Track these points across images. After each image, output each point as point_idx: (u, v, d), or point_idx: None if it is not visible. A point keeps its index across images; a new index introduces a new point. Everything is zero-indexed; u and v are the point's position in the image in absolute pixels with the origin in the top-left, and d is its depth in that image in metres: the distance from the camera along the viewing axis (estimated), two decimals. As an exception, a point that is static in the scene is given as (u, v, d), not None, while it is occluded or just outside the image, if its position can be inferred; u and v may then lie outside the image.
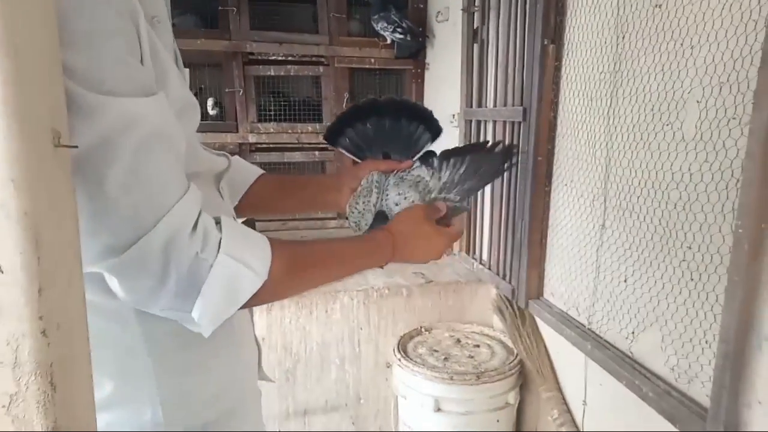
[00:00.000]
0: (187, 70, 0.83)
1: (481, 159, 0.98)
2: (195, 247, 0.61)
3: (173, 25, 2.52)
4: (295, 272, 0.70)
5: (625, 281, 1.42)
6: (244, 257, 0.64)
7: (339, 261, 0.80)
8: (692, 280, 1.19)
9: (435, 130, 1.03)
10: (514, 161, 1.01)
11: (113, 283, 0.61)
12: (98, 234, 0.57)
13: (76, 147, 0.55)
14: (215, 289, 0.62)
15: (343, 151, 1.04)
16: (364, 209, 0.97)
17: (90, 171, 0.55)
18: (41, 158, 0.47)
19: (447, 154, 0.98)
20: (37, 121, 0.47)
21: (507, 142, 1.04)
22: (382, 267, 0.86)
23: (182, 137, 0.65)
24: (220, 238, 0.63)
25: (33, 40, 0.47)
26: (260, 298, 0.66)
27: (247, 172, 1.01)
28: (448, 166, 0.97)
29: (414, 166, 0.99)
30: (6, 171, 0.44)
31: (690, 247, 1.20)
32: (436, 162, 0.98)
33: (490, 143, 1.01)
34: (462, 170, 0.97)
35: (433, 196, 0.96)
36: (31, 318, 0.44)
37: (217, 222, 0.65)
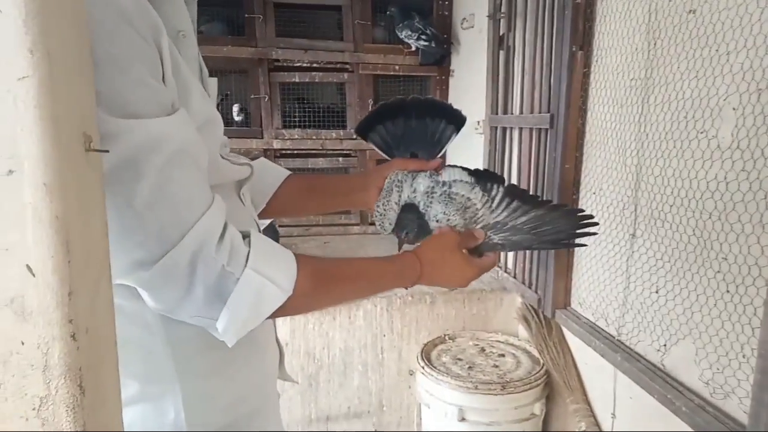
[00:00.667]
0: (215, 79, 0.84)
1: (549, 220, 0.90)
2: (221, 259, 0.63)
3: (200, 32, 2.55)
4: (319, 289, 0.72)
5: (657, 292, 1.38)
6: (270, 272, 0.66)
7: (363, 280, 0.80)
8: (728, 292, 1.16)
9: (459, 121, 1.01)
10: (582, 243, 0.93)
11: (144, 292, 0.63)
12: (128, 249, 0.59)
13: (107, 151, 0.56)
14: (241, 302, 0.63)
15: (374, 146, 1.05)
16: (385, 209, 0.96)
17: (118, 190, 0.57)
18: (73, 162, 0.47)
19: (514, 193, 0.90)
20: (69, 126, 0.47)
21: (586, 212, 0.95)
22: (406, 288, 0.85)
23: (205, 151, 0.66)
24: (248, 253, 0.65)
25: (65, 45, 0.47)
26: (285, 311, 0.68)
27: (274, 173, 1.02)
28: (507, 207, 0.90)
29: (461, 178, 0.93)
30: (39, 175, 0.44)
31: (726, 258, 1.16)
32: (495, 190, 0.91)
33: (568, 208, 0.94)
34: (520, 220, 0.90)
35: (477, 227, 0.91)
36: (62, 322, 0.44)
37: (245, 236, 0.68)
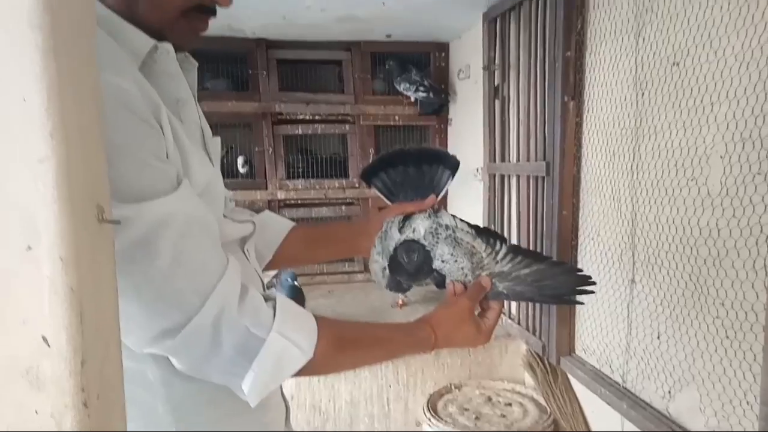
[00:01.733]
0: (218, 138, 0.87)
1: (550, 275, 0.93)
2: (244, 320, 0.66)
3: (206, 88, 2.64)
4: (338, 353, 0.74)
5: (659, 338, 1.39)
6: (293, 336, 0.68)
7: (381, 349, 0.83)
8: (728, 337, 1.16)
9: (452, 165, 1.06)
10: (580, 301, 0.95)
11: (172, 358, 0.66)
12: (152, 322, 0.62)
13: (119, 222, 0.59)
14: (265, 365, 0.66)
15: (377, 191, 1.10)
16: (375, 259, 0.97)
17: (135, 269, 0.60)
18: (87, 234, 0.50)
19: (517, 249, 0.94)
20: (83, 199, 0.50)
21: (584, 273, 0.97)
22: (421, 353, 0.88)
23: (212, 217, 0.69)
24: (273, 316, 0.68)
25: (81, 127, 0.51)
26: (304, 372, 0.70)
27: (279, 226, 1.06)
28: (512, 259, 0.93)
29: (462, 227, 0.95)
30: (56, 249, 0.47)
31: (723, 304, 1.17)
32: (498, 245, 0.94)
33: (568, 266, 0.96)
34: (523, 272, 0.92)
35: (483, 273, 0.93)
36: (74, 390, 0.46)
37: (268, 299, 0.71)
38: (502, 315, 2.17)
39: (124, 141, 0.59)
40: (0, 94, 0.46)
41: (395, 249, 0.94)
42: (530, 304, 2.00)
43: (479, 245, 0.94)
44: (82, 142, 0.51)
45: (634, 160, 1.45)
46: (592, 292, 0.94)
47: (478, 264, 0.93)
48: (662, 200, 1.34)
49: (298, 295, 2.23)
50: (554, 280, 0.94)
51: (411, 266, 0.93)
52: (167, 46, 0.72)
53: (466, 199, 2.59)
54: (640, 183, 1.43)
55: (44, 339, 0.46)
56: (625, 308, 1.52)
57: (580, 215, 1.74)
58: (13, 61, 0.46)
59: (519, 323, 2.11)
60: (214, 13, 0.76)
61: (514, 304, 2.18)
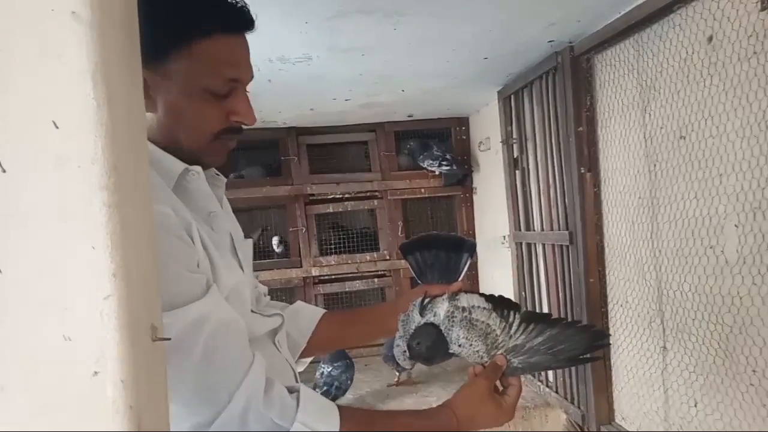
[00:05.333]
0: (249, 240, 0.97)
1: (563, 338, 0.95)
2: (270, 413, 0.73)
3: (241, 176, 2.81)
4: None
5: (696, 406, 1.38)
6: (316, 425, 0.75)
7: None
8: (764, 405, 1.16)
9: (470, 249, 1.17)
10: (597, 356, 0.99)
11: None
12: (186, 416, 0.70)
13: (169, 339, 0.68)
14: None
15: (409, 267, 1.20)
16: (397, 343, 1.02)
17: (171, 368, 0.68)
18: (143, 354, 0.58)
19: (529, 317, 0.97)
20: (140, 324, 0.58)
21: (597, 328, 1.01)
22: None
23: (239, 317, 0.77)
24: (296, 407, 0.74)
25: (140, 264, 0.59)
26: None
27: (310, 314, 1.13)
28: (525, 329, 0.95)
29: (479, 305, 0.98)
30: (117, 372, 0.55)
31: (755, 371, 1.17)
32: (512, 317, 0.97)
33: (581, 324, 0.99)
34: (536, 341, 0.94)
35: (498, 353, 0.95)
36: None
37: (293, 391, 0.77)
38: (539, 383, 2.16)
39: (161, 257, 0.69)
40: (74, 243, 0.55)
41: (412, 334, 0.99)
42: (566, 372, 1.99)
43: (494, 321, 0.97)
44: (140, 276, 0.60)
45: (652, 229, 1.49)
46: (607, 345, 0.96)
47: (493, 344, 0.96)
48: (683, 268, 1.37)
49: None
50: (568, 342, 0.95)
51: (428, 351, 0.97)
52: (197, 169, 0.83)
53: (496, 264, 2.63)
54: (660, 251, 1.46)
55: (109, 454, 0.53)
56: (660, 375, 1.51)
57: (607, 282, 1.76)
58: (84, 216, 0.55)
59: (557, 391, 2.09)
60: (240, 131, 0.86)
61: (551, 373, 2.16)
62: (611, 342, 1.76)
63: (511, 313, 0.98)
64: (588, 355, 0.98)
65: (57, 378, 0.54)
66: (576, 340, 0.96)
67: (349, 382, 2.34)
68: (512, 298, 2.32)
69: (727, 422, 1.26)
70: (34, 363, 0.55)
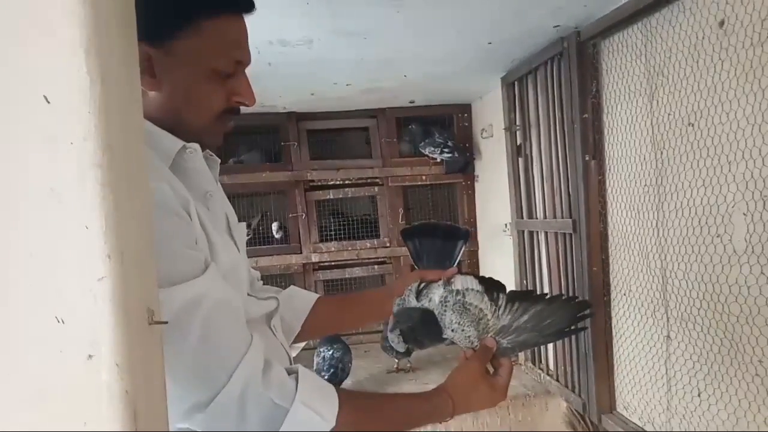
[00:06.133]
0: (243, 224, 0.97)
1: (547, 313, 0.96)
2: (269, 393, 0.72)
3: (241, 161, 2.79)
4: (358, 422, 0.78)
5: (699, 395, 1.37)
6: (315, 405, 0.73)
7: (399, 418, 0.87)
8: (769, 396, 1.14)
9: (464, 237, 1.20)
10: (582, 326, 1.00)
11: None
12: (183, 397, 0.68)
13: (166, 323, 0.66)
14: None
15: (408, 251, 1.23)
16: (390, 327, 1.03)
17: (168, 348, 0.67)
18: (138, 338, 0.57)
19: (513, 297, 0.98)
20: (136, 308, 0.57)
21: (581, 298, 1.01)
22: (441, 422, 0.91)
23: (237, 297, 0.76)
24: (296, 387, 0.73)
25: (135, 245, 0.58)
26: None
27: (305, 298, 1.13)
28: (510, 310, 0.97)
29: (473, 287, 1.00)
30: (112, 356, 0.53)
31: (761, 362, 1.16)
32: (501, 299, 0.98)
33: (564, 297, 1.00)
34: (522, 320, 0.96)
35: (489, 335, 0.97)
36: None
37: (291, 372, 0.76)
38: (539, 371, 2.16)
39: (158, 235, 0.67)
40: (66, 223, 0.53)
41: (405, 317, 1.01)
42: (567, 360, 1.98)
43: (486, 305, 0.98)
44: (135, 258, 0.58)
45: (658, 217, 1.47)
46: (590, 316, 0.97)
47: (484, 329, 0.97)
48: (689, 257, 1.35)
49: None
50: (553, 317, 0.97)
51: (420, 334, 0.99)
52: (195, 146, 0.82)
53: (497, 252, 2.61)
54: (666, 240, 1.44)
55: (104, 439, 0.52)
56: (663, 365, 1.50)
57: (610, 271, 1.74)
58: (77, 195, 0.53)
59: (558, 380, 2.08)
60: (239, 112, 0.86)
61: (551, 361, 2.15)
62: (613, 333, 1.75)
63: (498, 294, 1.00)
64: (573, 327, 0.99)
65: (50, 361, 0.53)
66: (560, 314, 0.97)
67: (349, 364, 2.33)
68: (514, 286, 2.33)
69: (731, 412, 1.25)
70: (26, 346, 0.53)
